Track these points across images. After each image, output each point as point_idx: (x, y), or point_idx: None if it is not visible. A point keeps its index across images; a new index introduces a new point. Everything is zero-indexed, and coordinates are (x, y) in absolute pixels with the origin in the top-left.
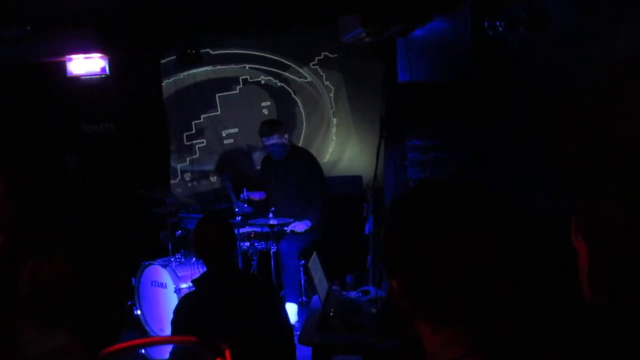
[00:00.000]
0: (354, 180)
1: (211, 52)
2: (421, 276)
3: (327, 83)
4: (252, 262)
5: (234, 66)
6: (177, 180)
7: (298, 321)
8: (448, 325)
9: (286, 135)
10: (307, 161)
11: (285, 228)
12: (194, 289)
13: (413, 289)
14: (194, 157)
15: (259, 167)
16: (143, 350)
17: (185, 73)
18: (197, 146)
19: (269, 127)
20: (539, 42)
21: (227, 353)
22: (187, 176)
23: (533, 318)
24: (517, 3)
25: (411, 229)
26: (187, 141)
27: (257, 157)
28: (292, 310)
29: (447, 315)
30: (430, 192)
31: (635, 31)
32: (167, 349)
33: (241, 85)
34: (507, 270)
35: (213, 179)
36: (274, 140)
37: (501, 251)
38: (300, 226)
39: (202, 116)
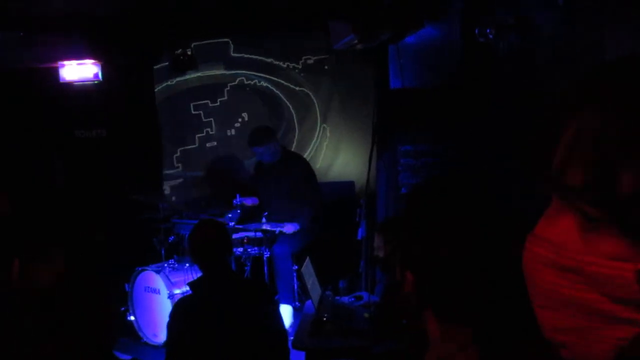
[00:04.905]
0: (346, 186)
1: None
2: (432, 275)
3: (318, 89)
4: (245, 268)
5: (226, 71)
6: (170, 186)
7: (292, 325)
8: (449, 323)
9: (275, 144)
10: (300, 166)
11: (275, 229)
12: (187, 294)
13: (423, 285)
14: (187, 163)
15: (252, 172)
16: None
17: (178, 79)
18: (189, 152)
19: (256, 137)
20: (529, 49)
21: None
22: (180, 182)
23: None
24: (506, 10)
25: (429, 228)
26: (179, 147)
27: (251, 162)
28: (286, 312)
29: (449, 314)
30: (452, 192)
31: (622, 37)
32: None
33: (234, 91)
34: (508, 274)
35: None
36: (262, 150)
37: (504, 255)
38: (289, 227)
39: (195, 122)
